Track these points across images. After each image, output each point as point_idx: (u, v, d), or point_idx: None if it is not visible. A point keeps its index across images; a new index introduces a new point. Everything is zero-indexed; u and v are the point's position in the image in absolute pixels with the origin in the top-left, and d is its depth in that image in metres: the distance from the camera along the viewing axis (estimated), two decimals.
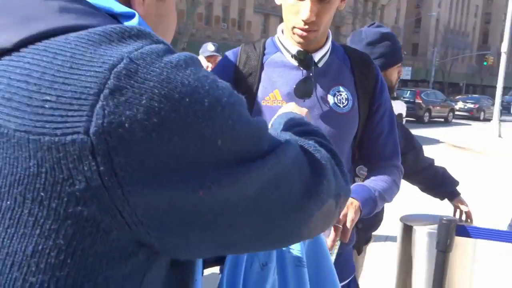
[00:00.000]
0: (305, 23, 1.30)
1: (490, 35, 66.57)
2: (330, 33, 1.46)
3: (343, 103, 1.40)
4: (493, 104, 19.69)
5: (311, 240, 0.85)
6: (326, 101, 1.39)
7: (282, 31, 1.45)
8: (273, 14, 39.61)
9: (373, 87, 1.45)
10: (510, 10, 17.74)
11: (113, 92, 0.46)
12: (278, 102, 1.37)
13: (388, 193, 1.41)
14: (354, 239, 1.57)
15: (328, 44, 1.43)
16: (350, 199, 1.25)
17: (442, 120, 22.97)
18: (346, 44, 1.57)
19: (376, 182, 1.40)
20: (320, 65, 1.41)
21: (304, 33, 1.33)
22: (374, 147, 1.49)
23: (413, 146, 2.26)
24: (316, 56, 1.40)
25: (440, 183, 2.31)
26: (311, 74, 1.39)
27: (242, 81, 1.39)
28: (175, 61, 0.51)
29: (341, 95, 1.40)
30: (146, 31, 0.54)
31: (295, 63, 1.40)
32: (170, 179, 0.47)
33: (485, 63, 35.88)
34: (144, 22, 0.62)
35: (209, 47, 4.49)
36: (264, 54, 1.44)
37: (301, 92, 1.36)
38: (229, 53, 1.46)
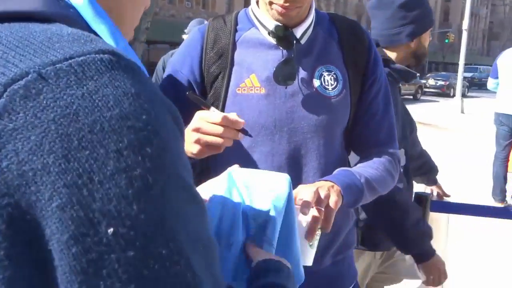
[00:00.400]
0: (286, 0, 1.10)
1: (450, 13, 67.73)
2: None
3: (331, 84, 1.18)
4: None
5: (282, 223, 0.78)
6: (311, 84, 1.17)
7: (257, 2, 1.22)
8: None
9: (365, 61, 1.22)
10: None
11: None
12: (256, 89, 1.16)
13: (380, 183, 1.18)
14: (355, 240, 1.37)
15: (311, 15, 1.20)
16: (330, 183, 1.05)
17: (411, 97, 23.33)
18: (331, 12, 1.33)
19: (364, 169, 1.18)
20: (302, 41, 1.19)
21: (284, 10, 1.11)
22: (366, 131, 1.25)
23: (412, 128, 2.03)
24: (298, 32, 1.18)
25: (425, 172, 2.26)
26: (292, 55, 1.16)
27: (211, 66, 1.18)
28: (101, 92, 0.38)
29: (328, 75, 1.18)
30: (85, 33, 0.43)
31: (274, 41, 1.17)
32: None
33: (446, 41, 36.54)
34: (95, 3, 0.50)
35: (199, 23, 3.98)
36: (236, 31, 1.20)
37: (282, 76, 1.15)
38: (195, 32, 1.23)
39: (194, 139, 0.98)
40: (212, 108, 1.01)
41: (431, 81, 27.45)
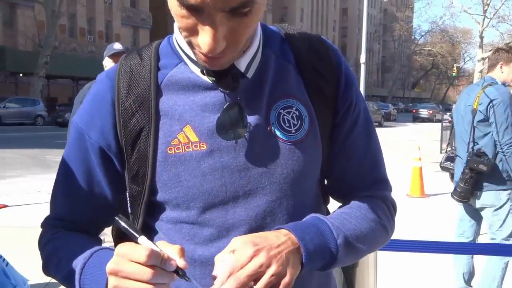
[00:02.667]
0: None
1: (347, 47, 72.28)
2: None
3: (293, 124, 0.88)
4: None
5: None
6: (266, 129, 0.87)
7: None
8: (143, 27, 38.75)
9: (335, 85, 0.92)
10: (364, 25, 19.37)
11: None
12: (194, 146, 0.85)
13: (367, 240, 0.89)
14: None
15: (257, 38, 0.88)
16: (288, 241, 0.79)
17: None
18: (283, 25, 0.99)
19: (345, 220, 0.88)
20: (249, 74, 0.87)
21: (210, 61, 0.80)
22: (347, 176, 0.96)
23: None
24: (241, 63, 0.86)
25: None
26: (239, 97, 0.86)
27: (129, 121, 0.86)
28: None
29: (289, 112, 0.89)
30: None
31: (210, 80, 0.87)
32: None
33: None
34: None
35: (115, 45, 3.71)
36: (158, 69, 0.89)
37: (228, 128, 0.85)
38: (101, 79, 0.92)
39: (111, 286, 0.71)
40: (142, 239, 0.71)
41: None
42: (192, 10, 0.72)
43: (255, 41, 0.88)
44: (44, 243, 0.92)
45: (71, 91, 30.74)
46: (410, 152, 7.96)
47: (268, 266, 0.74)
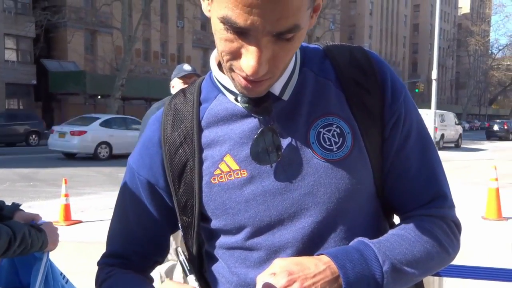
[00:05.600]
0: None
1: (418, 64, 70.28)
2: None
3: (335, 142, 0.86)
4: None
5: None
6: (307, 151, 0.85)
7: (218, 62, 0.91)
8: (212, 48, 39.80)
9: (380, 97, 0.88)
10: (435, 40, 18.76)
11: None
12: (236, 174, 0.86)
13: (420, 263, 0.83)
14: None
15: (293, 59, 0.88)
16: (328, 270, 0.77)
17: None
18: (325, 42, 0.97)
19: (395, 244, 0.83)
20: (285, 97, 0.87)
21: (250, 86, 0.79)
22: (400, 194, 0.91)
23: None
24: (276, 87, 0.85)
25: None
26: (272, 122, 0.85)
27: (174, 156, 0.90)
28: None
29: (329, 130, 0.86)
30: None
31: (243, 107, 0.87)
32: None
33: (416, 90, 37.59)
34: None
35: (185, 66, 3.83)
36: (200, 103, 0.91)
37: (261, 154, 0.85)
38: (152, 120, 0.96)
39: None
40: (191, 278, 0.79)
41: None
42: (239, 33, 0.73)
43: (290, 63, 0.87)
44: (101, 282, 0.96)
45: (144, 111, 31.98)
46: (486, 172, 7.50)
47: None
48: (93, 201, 8.05)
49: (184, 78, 3.72)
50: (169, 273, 3.14)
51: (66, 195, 6.26)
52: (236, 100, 0.87)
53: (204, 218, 0.91)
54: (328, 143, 0.86)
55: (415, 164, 0.90)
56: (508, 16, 76.21)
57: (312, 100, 0.88)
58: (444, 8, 69.56)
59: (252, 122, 0.87)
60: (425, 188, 0.90)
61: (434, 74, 18.37)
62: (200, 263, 0.98)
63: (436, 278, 1.94)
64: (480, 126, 54.58)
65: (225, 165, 0.87)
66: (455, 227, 0.91)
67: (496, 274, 2.34)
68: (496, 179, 7.01)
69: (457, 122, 26.08)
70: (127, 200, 0.97)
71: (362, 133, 0.87)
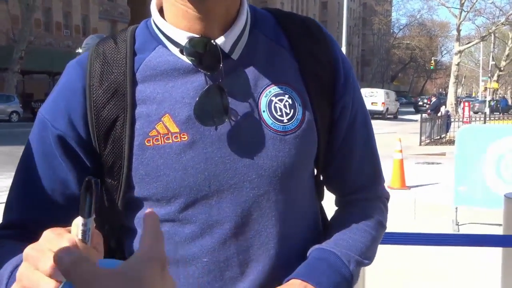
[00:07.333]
0: None
1: None
2: None
3: (286, 113, 0.80)
4: None
5: None
6: (255, 117, 0.80)
7: (160, 11, 0.82)
8: (121, 21, 38.22)
9: (332, 70, 0.85)
10: (344, 19, 19.40)
11: None
12: (175, 137, 0.77)
13: (371, 250, 0.87)
14: None
15: (244, 14, 0.81)
16: None
17: None
18: (274, 8, 0.92)
19: (351, 240, 0.85)
20: (234, 55, 0.80)
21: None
22: (344, 172, 0.91)
23: None
24: (226, 43, 0.78)
25: None
26: (220, 79, 0.78)
27: (101, 110, 0.78)
28: None
29: (281, 100, 0.81)
30: None
31: (190, 61, 0.78)
32: None
33: None
34: None
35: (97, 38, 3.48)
36: (134, 54, 0.81)
37: (207, 113, 0.77)
38: (71, 66, 0.83)
39: None
40: (87, 222, 0.49)
41: None
42: None
43: (240, 19, 0.80)
44: None
45: (47, 86, 30.15)
46: (391, 144, 7.98)
47: None
48: None
49: None
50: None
51: None
52: (181, 53, 0.78)
53: (131, 184, 0.79)
54: (279, 113, 0.80)
55: (361, 144, 0.90)
56: None
57: (264, 65, 0.81)
58: None
59: (196, 80, 0.78)
60: (368, 168, 0.92)
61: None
62: (118, 237, 0.86)
63: None
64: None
65: (163, 126, 0.77)
66: (386, 201, 0.95)
67: (400, 238, 2.46)
68: (401, 151, 7.47)
69: (396, 99, 33.78)
70: (32, 158, 0.81)
71: (314, 107, 0.83)
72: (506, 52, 39.50)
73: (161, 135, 0.77)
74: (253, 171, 0.79)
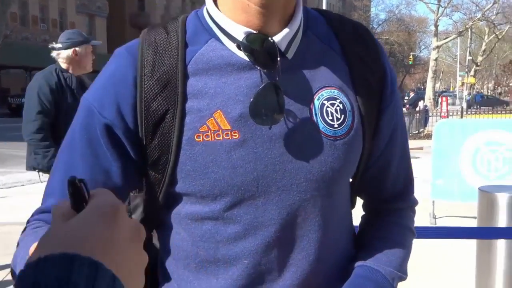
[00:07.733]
0: None
1: None
2: None
3: (336, 118, 0.79)
4: None
5: None
6: (309, 121, 0.78)
7: (215, 1, 0.80)
8: (99, 15, 37.66)
9: (381, 79, 0.84)
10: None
11: None
12: (226, 134, 0.75)
13: (406, 265, 0.89)
14: None
15: (299, 15, 0.80)
16: None
17: None
18: (325, 9, 0.91)
19: (391, 255, 0.86)
20: (289, 55, 0.79)
21: None
22: (380, 181, 0.90)
23: None
24: (282, 41, 0.77)
25: None
26: (277, 77, 0.76)
27: (152, 102, 0.76)
28: None
29: (333, 104, 0.79)
30: None
31: (246, 57, 0.76)
32: None
33: None
34: None
35: (77, 35, 3.51)
36: (186, 45, 0.78)
37: (263, 112, 0.75)
38: (120, 54, 0.81)
39: None
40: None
41: None
42: None
43: (297, 17, 0.79)
44: (21, 239, 0.77)
45: (24, 81, 29.50)
46: None
47: None
48: None
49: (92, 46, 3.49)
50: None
51: None
52: (238, 48, 0.76)
53: (175, 179, 0.77)
54: (330, 118, 0.79)
55: (399, 153, 0.90)
56: None
57: (317, 67, 0.80)
58: None
59: (250, 77, 0.76)
60: (404, 177, 0.93)
61: None
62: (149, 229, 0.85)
63: None
64: None
65: (214, 122, 0.75)
66: (415, 209, 0.97)
67: None
68: None
69: None
70: (75, 144, 0.79)
71: (362, 113, 0.82)
72: (483, 48, 40.17)
73: (212, 131, 0.75)
74: (302, 175, 0.78)
